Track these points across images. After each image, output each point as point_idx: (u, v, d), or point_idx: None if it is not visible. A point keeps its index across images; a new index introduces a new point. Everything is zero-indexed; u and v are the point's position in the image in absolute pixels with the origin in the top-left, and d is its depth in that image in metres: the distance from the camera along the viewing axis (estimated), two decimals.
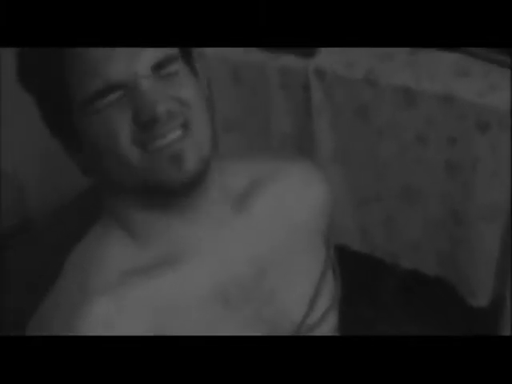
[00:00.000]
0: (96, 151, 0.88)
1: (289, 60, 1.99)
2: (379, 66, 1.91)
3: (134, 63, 0.84)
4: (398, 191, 1.97)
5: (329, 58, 1.97)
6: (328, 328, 1.01)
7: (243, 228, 0.96)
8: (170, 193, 0.88)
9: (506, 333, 1.88)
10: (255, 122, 2.11)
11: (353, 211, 2.08)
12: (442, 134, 1.83)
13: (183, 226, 0.91)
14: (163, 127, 0.84)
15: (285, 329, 0.97)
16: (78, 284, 0.88)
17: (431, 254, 2.02)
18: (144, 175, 0.86)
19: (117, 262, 0.90)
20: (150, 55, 0.85)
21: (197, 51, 2.07)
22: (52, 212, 2.53)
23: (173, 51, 0.87)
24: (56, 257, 0.97)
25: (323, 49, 1.98)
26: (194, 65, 0.93)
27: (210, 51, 2.08)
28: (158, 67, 0.86)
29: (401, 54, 1.94)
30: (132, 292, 0.87)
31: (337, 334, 1.04)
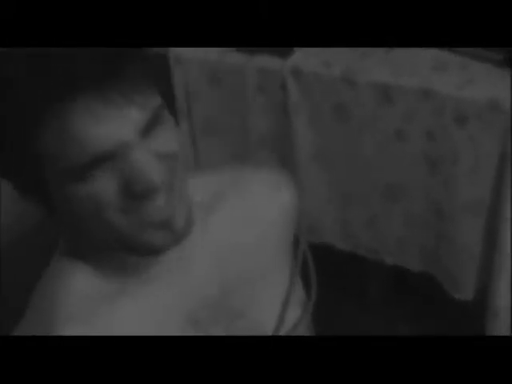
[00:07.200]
0: (76, 217, 0.81)
1: (266, 60, 1.99)
2: (356, 64, 1.91)
3: (122, 131, 0.75)
4: (379, 188, 1.97)
5: (305, 57, 1.96)
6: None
7: (208, 246, 0.93)
8: (157, 251, 0.85)
9: (492, 325, 1.88)
10: (234, 124, 2.10)
11: (335, 209, 2.08)
12: (421, 128, 1.83)
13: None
14: (155, 196, 0.79)
15: None
16: (45, 315, 0.86)
17: (415, 249, 2.02)
18: (130, 239, 0.82)
19: (84, 290, 0.87)
20: (137, 118, 0.76)
21: (173, 56, 2.08)
22: (13, 240, 2.50)
23: (158, 103, 0.80)
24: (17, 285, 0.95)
25: (299, 48, 1.97)
26: (176, 112, 0.88)
27: (186, 54, 2.07)
28: (147, 129, 0.78)
29: (377, 50, 1.93)
30: (101, 319, 0.85)
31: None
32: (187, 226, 0.84)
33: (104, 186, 0.77)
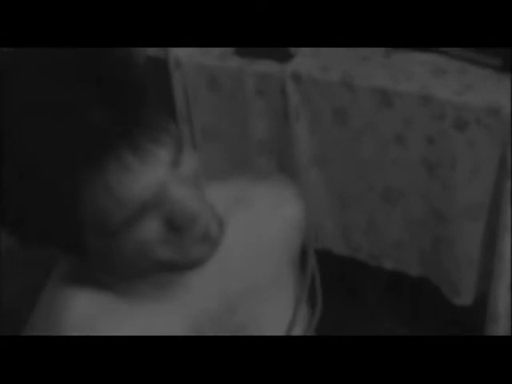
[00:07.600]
0: (117, 261, 0.81)
1: (265, 65, 1.99)
2: (355, 69, 1.91)
3: (158, 174, 0.75)
4: (378, 192, 1.97)
5: (305, 62, 1.97)
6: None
7: (215, 262, 0.90)
8: (200, 264, 0.84)
9: (491, 329, 1.88)
10: (233, 129, 2.10)
11: (334, 214, 2.08)
12: (420, 133, 1.83)
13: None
14: (198, 220, 0.79)
15: None
16: (47, 330, 0.85)
17: (413, 254, 2.02)
18: (174, 262, 0.81)
19: (87, 304, 0.86)
20: (167, 156, 0.75)
21: (173, 60, 2.08)
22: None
23: (175, 131, 0.78)
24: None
25: (299, 53, 1.98)
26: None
27: (186, 59, 2.08)
28: (176, 162, 0.77)
29: (376, 55, 1.94)
30: (104, 334, 0.84)
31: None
32: (221, 230, 0.83)
33: (149, 230, 0.77)
